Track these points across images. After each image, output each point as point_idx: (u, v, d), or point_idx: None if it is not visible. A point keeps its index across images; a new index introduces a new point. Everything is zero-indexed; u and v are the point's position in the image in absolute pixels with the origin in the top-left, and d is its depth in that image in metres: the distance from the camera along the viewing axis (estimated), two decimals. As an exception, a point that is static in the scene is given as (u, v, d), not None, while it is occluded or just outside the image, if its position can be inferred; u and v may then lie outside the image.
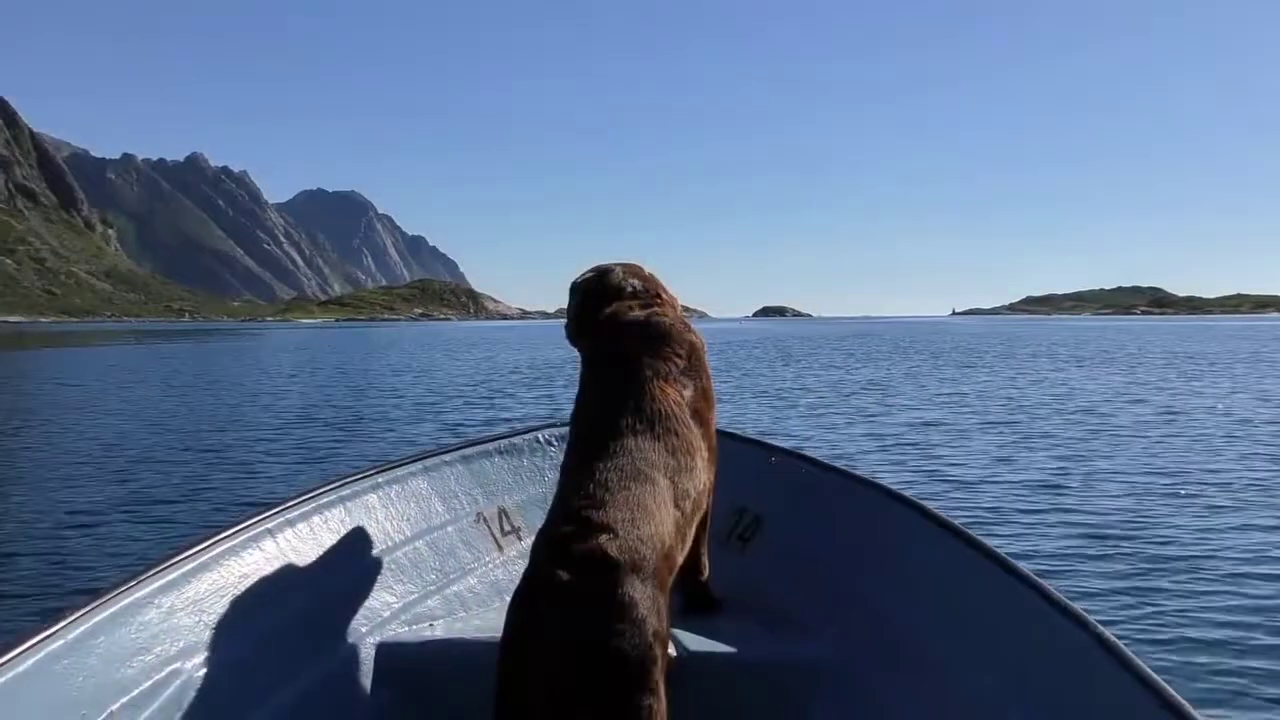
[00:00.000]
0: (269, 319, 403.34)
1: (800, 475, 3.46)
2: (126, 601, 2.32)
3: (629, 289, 2.89)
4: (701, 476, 2.54)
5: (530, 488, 3.59)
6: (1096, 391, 21.74)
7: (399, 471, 3.28)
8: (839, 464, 3.58)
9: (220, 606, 2.54)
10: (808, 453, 3.68)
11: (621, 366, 2.62)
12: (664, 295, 2.92)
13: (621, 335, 2.72)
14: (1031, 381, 24.72)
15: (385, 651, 2.84)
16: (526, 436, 3.73)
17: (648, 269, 3.06)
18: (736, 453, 3.35)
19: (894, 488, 3.19)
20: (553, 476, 3.39)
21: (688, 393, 2.62)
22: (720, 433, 2.95)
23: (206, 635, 2.46)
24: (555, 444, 3.69)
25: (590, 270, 3.02)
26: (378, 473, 3.23)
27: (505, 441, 3.67)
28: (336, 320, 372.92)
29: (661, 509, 2.28)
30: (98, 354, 53.50)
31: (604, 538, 2.11)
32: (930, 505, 2.98)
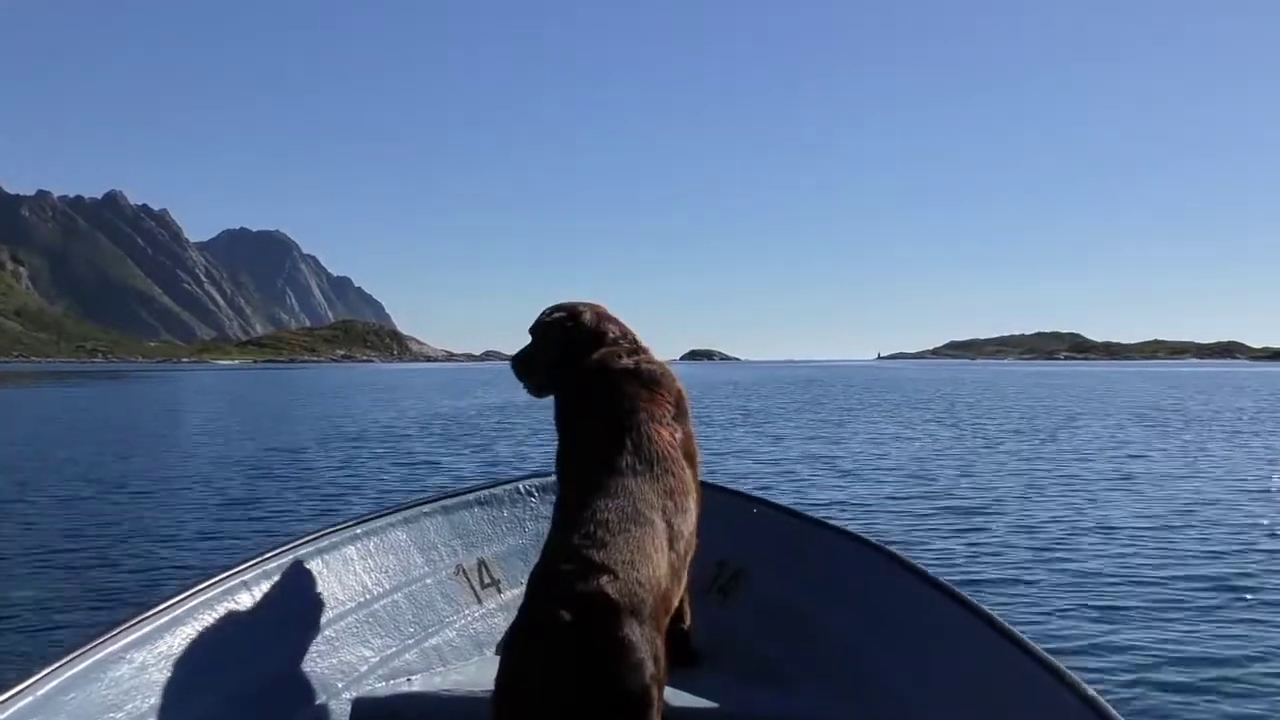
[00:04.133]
0: (185, 360, 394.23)
1: (782, 527, 3.43)
2: (98, 657, 2.27)
3: (610, 334, 2.92)
4: (693, 518, 2.58)
5: (510, 539, 3.55)
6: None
7: (377, 523, 3.26)
8: (821, 516, 3.54)
9: (194, 662, 2.48)
10: (789, 504, 3.62)
11: (616, 411, 2.65)
12: (642, 342, 2.97)
13: (615, 381, 2.75)
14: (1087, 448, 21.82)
15: (362, 707, 2.77)
16: (507, 487, 3.67)
17: (610, 310, 3.08)
18: (717, 504, 3.31)
19: (876, 540, 3.21)
20: (533, 527, 3.48)
21: (679, 435, 2.68)
22: (700, 483, 2.99)
23: (179, 691, 2.40)
24: (536, 494, 3.65)
25: (558, 310, 3.00)
26: (356, 524, 3.20)
27: (486, 492, 3.61)
28: (255, 362, 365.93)
29: (659, 552, 2.31)
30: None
31: (604, 579, 2.12)
32: (914, 560, 3.00)
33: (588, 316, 2.96)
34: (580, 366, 2.85)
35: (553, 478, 2.83)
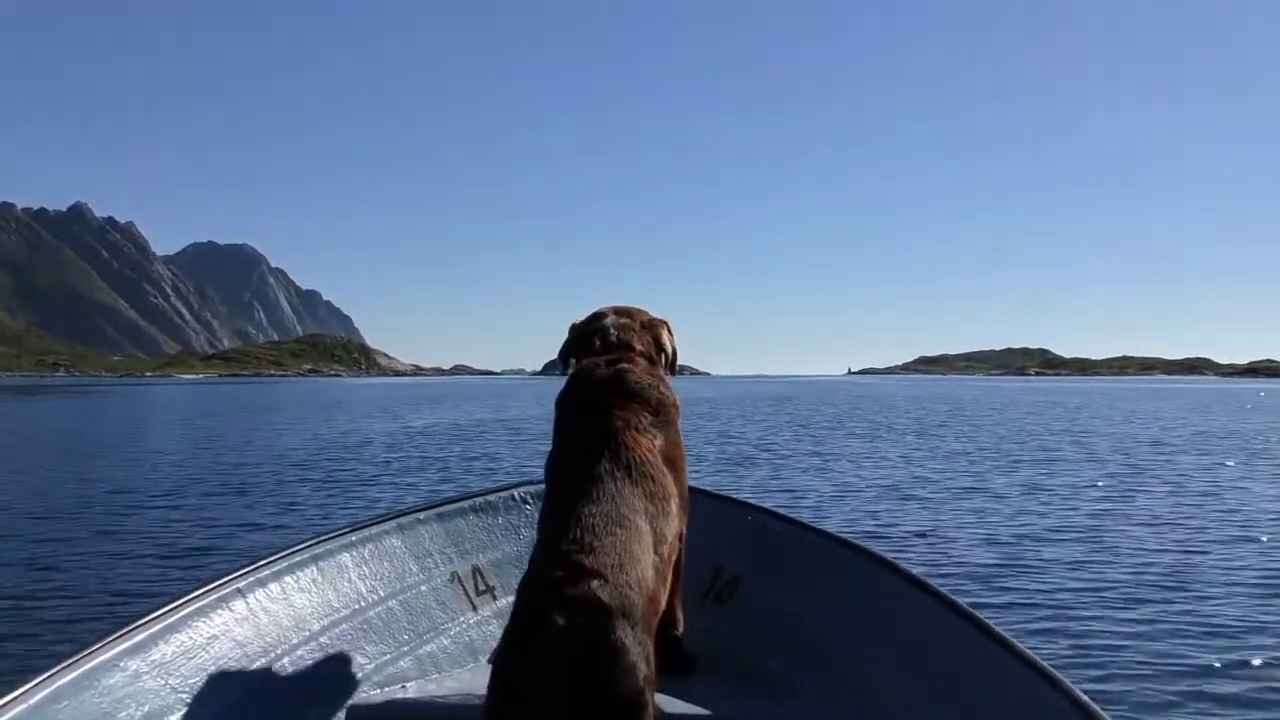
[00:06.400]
0: (148, 374, 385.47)
1: (778, 535, 3.45)
2: (91, 665, 2.26)
3: (598, 343, 2.98)
4: (675, 521, 2.61)
5: (505, 546, 3.57)
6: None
7: (373, 530, 3.28)
8: (817, 524, 3.56)
9: (188, 670, 2.48)
10: (785, 512, 3.65)
11: (594, 417, 2.69)
12: (637, 348, 2.98)
13: (591, 389, 2.80)
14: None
15: (357, 714, 2.78)
16: (502, 494, 3.71)
17: (647, 314, 3.12)
18: (713, 511, 3.36)
19: (873, 549, 3.22)
20: (528, 535, 3.51)
21: (659, 442, 2.71)
22: (696, 491, 2.97)
23: (173, 699, 2.40)
24: (531, 501, 3.68)
25: (593, 313, 3.12)
26: (351, 531, 3.22)
27: (480, 499, 3.64)
28: (219, 376, 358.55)
29: (645, 554, 2.33)
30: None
31: (595, 583, 2.14)
32: (909, 567, 3.02)
33: (598, 321, 3.05)
34: (572, 372, 2.92)
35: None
